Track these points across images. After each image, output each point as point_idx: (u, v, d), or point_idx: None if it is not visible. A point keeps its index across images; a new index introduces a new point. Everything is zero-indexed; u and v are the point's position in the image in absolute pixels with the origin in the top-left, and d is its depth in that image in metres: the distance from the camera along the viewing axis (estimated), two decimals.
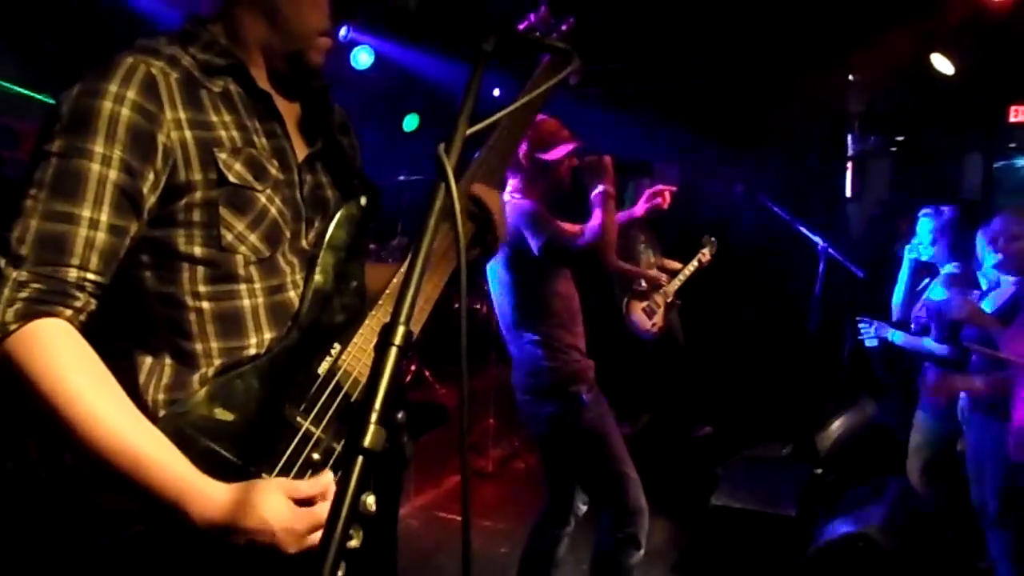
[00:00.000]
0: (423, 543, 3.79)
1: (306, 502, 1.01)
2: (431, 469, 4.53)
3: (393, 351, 0.71)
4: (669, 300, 5.30)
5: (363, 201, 1.25)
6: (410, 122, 6.34)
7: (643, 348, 5.44)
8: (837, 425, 4.48)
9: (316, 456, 1.10)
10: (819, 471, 4.30)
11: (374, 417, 0.67)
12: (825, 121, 6.42)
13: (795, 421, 4.87)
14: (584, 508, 2.98)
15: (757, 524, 3.37)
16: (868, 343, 3.80)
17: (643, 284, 5.26)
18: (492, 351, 4.94)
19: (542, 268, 2.63)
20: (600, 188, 2.60)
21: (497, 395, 4.95)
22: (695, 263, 5.21)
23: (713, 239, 5.17)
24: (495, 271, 2.77)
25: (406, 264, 0.80)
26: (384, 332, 0.73)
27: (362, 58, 5.43)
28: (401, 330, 0.72)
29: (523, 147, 2.68)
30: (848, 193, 7.01)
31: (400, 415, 1.08)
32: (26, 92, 2.79)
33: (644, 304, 5.33)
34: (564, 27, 1.50)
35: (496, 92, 5.48)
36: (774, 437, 5.09)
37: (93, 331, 1.04)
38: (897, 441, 3.78)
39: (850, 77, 6.36)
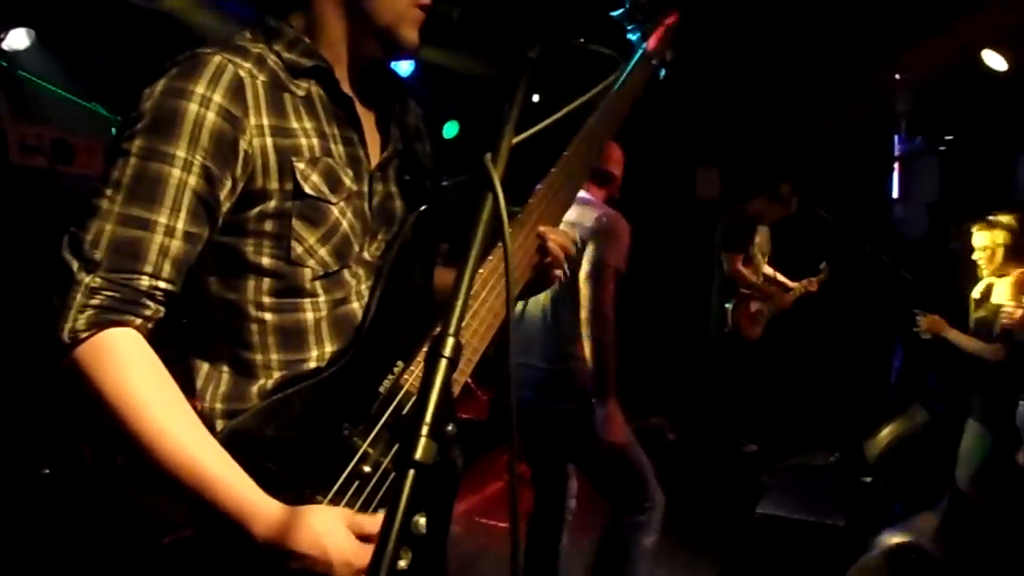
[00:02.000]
0: (464, 549, 3.79)
1: (366, 539, 0.99)
2: (472, 475, 4.52)
3: (443, 363, 0.71)
4: (777, 312, 5.17)
5: (430, 209, 1.21)
6: (450, 129, 6.37)
7: (708, 352, 5.30)
8: (887, 432, 4.38)
9: (373, 478, 1.07)
10: (868, 480, 4.21)
11: (425, 430, 0.66)
12: (870, 121, 6.28)
13: (843, 428, 4.77)
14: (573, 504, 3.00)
15: (804, 533, 3.30)
16: (923, 336, 3.69)
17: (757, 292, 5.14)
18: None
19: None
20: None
21: None
22: (805, 284, 5.14)
23: (827, 266, 5.15)
24: None
25: (455, 275, 0.79)
26: (434, 343, 0.72)
27: (402, 66, 5.48)
28: (451, 341, 0.72)
29: None
30: (895, 195, 6.86)
31: (451, 428, 1.06)
32: (79, 101, 2.86)
33: (755, 310, 5.17)
34: (667, 20, 1.48)
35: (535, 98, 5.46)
36: (821, 444, 5.00)
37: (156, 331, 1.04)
38: (949, 449, 3.68)
39: (896, 76, 6.22)
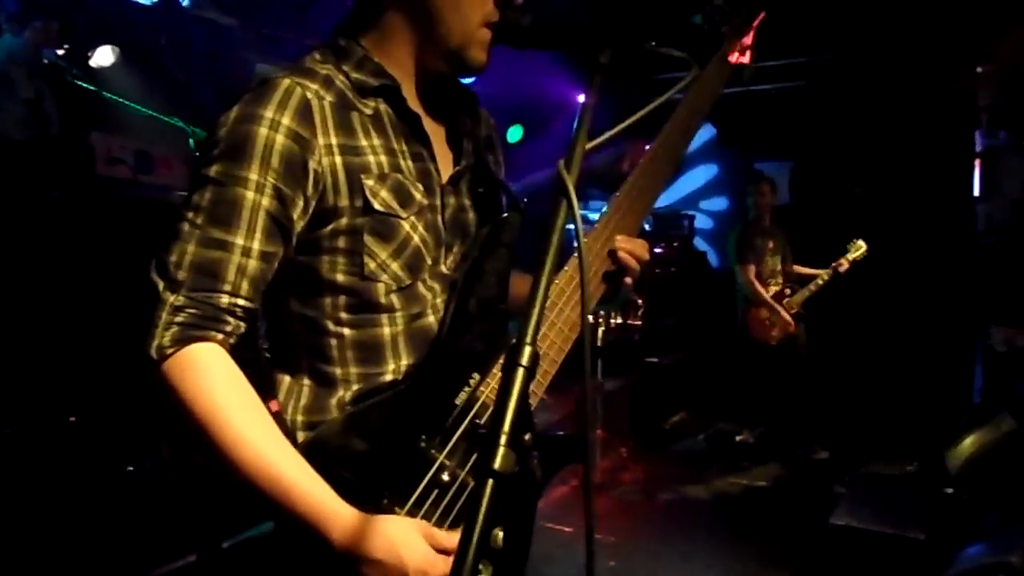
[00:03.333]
0: (531, 555, 3.78)
1: (443, 552, 1.00)
2: None
3: (520, 372, 0.70)
4: (794, 311, 5.11)
5: (503, 221, 1.20)
6: (514, 133, 6.40)
7: (762, 358, 5.27)
8: (970, 442, 4.18)
9: (450, 490, 1.08)
10: (951, 491, 4.03)
11: (503, 439, 0.66)
12: (951, 116, 6.05)
13: (922, 436, 4.59)
14: None
15: (881, 547, 3.18)
16: (996, 348, 3.55)
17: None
18: (600, 360, 4.90)
19: None
20: None
21: (604, 406, 4.90)
22: (829, 272, 5.02)
23: (860, 243, 4.97)
24: None
25: (531, 284, 0.78)
26: (511, 352, 0.72)
27: None
28: (528, 350, 0.71)
29: None
30: (976, 192, 6.58)
31: (528, 437, 1.06)
32: (160, 116, 2.98)
33: (766, 314, 5.15)
34: (751, 21, 1.46)
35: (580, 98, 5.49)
36: (898, 453, 4.83)
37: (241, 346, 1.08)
38: None
39: (978, 69, 5.97)
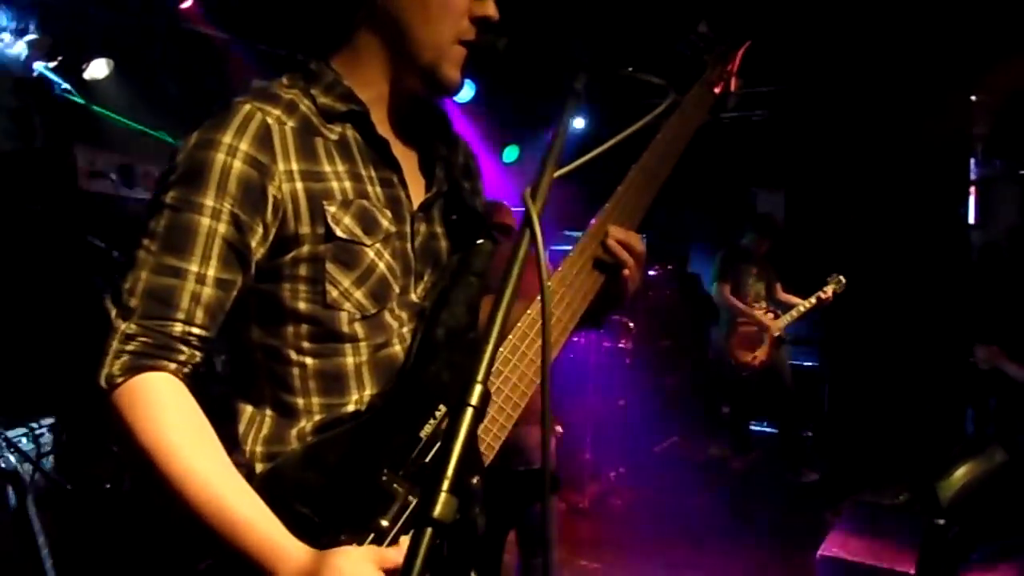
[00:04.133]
0: None
1: (397, 571, 0.95)
2: None
3: (468, 411, 0.67)
4: (776, 335, 5.16)
5: (475, 249, 1.18)
6: (510, 153, 6.39)
7: (745, 383, 5.30)
8: (962, 473, 4.13)
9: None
10: (942, 522, 3.98)
11: (445, 485, 0.63)
12: (945, 144, 6.06)
13: (913, 464, 4.54)
14: None
15: None
16: (980, 367, 3.54)
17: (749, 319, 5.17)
18: (590, 384, 4.86)
19: None
20: None
21: (594, 429, 4.86)
22: (813, 300, 5.09)
23: (840, 278, 5.06)
24: None
25: (488, 318, 0.75)
26: (460, 391, 0.69)
27: (462, 91, 5.54)
28: (478, 389, 0.68)
29: None
30: (971, 220, 6.58)
31: (476, 480, 1.03)
32: (148, 130, 2.96)
33: (748, 336, 5.22)
34: (736, 49, 1.45)
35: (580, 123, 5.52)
36: (889, 480, 4.78)
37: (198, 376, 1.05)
38: None
39: (972, 98, 5.99)
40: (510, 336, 1.13)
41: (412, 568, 0.60)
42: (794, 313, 5.21)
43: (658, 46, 1.26)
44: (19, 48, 3.36)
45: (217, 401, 1.10)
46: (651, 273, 6.47)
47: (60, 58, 3.59)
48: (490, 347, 0.72)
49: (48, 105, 3.42)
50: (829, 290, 5.09)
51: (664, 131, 1.33)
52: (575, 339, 5.10)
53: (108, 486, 3.07)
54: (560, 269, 1.18)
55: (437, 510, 0.62)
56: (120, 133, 3.06)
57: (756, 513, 4.70)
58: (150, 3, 4.06)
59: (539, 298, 1.15)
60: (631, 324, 5.20)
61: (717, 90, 1.45)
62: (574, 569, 3.92)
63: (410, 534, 0.98)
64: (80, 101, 3.12)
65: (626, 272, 1.21)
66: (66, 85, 3.18)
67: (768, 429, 5.74)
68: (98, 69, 3.98)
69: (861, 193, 5.99)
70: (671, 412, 6.14)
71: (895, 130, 5.74)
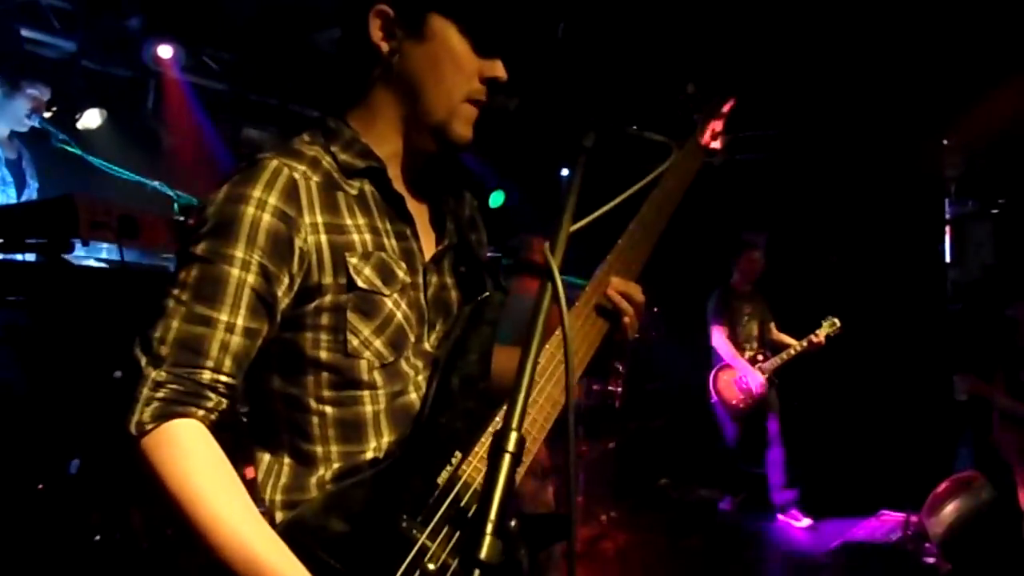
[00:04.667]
0: None
1: None
2: None
3: (507, 458, 0.71)
4: (765, 377, 5.16)
5: (485, 300, 1.22)
6: (496, 199, 6.48)
7: (737, 423, 5.28)
8: (950, 510, 4.18)
9: (431, 572, 1.05)
10: (932, 561, 4.01)
11: (490, 528, 0.66)
12: (920, 186, 6.22)
13: (903, 503, 4.58)
14: None
15: None
16: (957, 397, 3.59)
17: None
18: (580, 426, 4.87)
19: None
20: None
21: (586, 472, 4.85)
22: (804, 343, 5.08)
23: (835, 320, 5.04)
24: None
25: (516, 368, 0.79)
26: (497, 438, 0.72)
27: None
28: (514, 436, 0.72)
29: None
30: (947, 259, 6.72)
31: (514, 523, 1.06)
32: (145, 180, 3.00)
33: (735, 376, 5.23)
34: (723, 106, 1.52)
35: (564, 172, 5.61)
36: (880, 520, 4.81)
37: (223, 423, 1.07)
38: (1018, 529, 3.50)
39: (944, 141, 6.18)
40: None
41: None
42: (784, 355, 5.17)
43: (650, 107, 1.32)
44: (17, 101, 3.40)
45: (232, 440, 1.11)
46: None
47: (55, 109, 3.63)
48: (522, 395, 0.76)
49: (43, 155, 3.45)
50: (822, 333, 5.04)
51: (660, 187, 1.39)
52: None
53: (98, 538, 3.03)
54: (549, 347, 1.21)
55: (484, 552, 0.65)
56: (118, 184, 3.08)
57: (747, 554, 4.69)
58: (139, 56, 4.14)
59: (549, 347, 1.20)
60: (620, 367, 5.22)
61: (708, 146, 1.53)
62: None
63: None
64: (77, 152, 3.15)
65: (626, 320, 1.27)
66: (63, 136, 3.21)
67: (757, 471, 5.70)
68: (91, 119, 4.03)
69: (841, 234, 6.12)
70: (660, 454, 6.15)
71: (872, 173, 5.89)
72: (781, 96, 5.41)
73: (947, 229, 6.65)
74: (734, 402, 5.25)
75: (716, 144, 1.53)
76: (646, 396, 6.33)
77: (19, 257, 2.53)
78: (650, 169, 1.18)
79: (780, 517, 5.19)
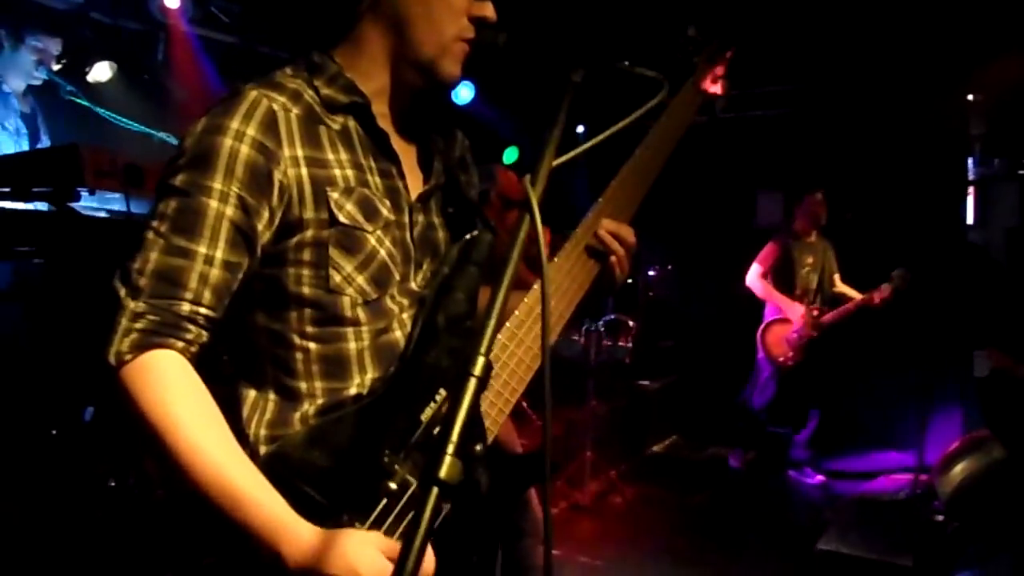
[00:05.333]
0: None
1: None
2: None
3: (472, 382, 0.71)
4: (817, 334, 4.93)
5: (472, 239, 1.21)
6: (510, 155, 6.43)
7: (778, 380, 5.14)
8: (960, 469, 4.16)
9: (392, 491, 1.06)
10: (940, 518, 4.01)
11: (451, 449, 0.66)
12: (943, 145, 6.09)
13: (913, 462, 4.57)
14: None
15: (868, 572, 3.16)
16: (976, 373, 3.54)
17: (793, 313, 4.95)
18: (590, 381, 4.89)
19: None
20: None
21: (595, 428, 4.88)
22: (865, 297, 4.87)
23: (904, 272, 4.79)
24: None
25: (489, 296, 0.79)
26: (463, 362, 0.72)
27: (463, 93, 5.58)
28: (481, 361, 0.72)
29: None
30: (970, 221, 6.60)
31: (479, 447, 1.07)
32: (152, 132, 3.00)
33: (788, 332, 5.04)
34: (724, 52, 1.49)
35: (580, 128, 5.50)
36: (891, 478, 4.82)
37: (205, 359, 1.07)
38: None
39: (969, 97, 6.02)
40: (508, 324, 1.17)
41: (419, 526, 0.63)
42: (842, 310, 4.91)
43: (649, 47, 1.30)
44: (25, 53, 3.40)
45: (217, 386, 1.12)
46: (651, 273, 6.51)
47: (64, 62, 3.63)
48: (492, 322, 0.75)
49: (54, 108, 3.46)
50: (886, 288, 4.80)
51: (655, 130, 1.38)
52: (575, 338, 5.11)
53: (112, 484, 3.10)
54: (556, 260, 1.24)
55: (443, 471, 0.65)
56: (127, 135, 3.09)
57: (757, 510, 4.72)
58: (149, 8, 4.11)
59: (536, 287, 1.20)
60: (631, 323, 5.22)
61: (707, 91, 1.50)
62: (575, 566, 3.94)
63: (407, 516, 1.04)
64: (85, 103, 3.16)
65: (613, 259, 1.27)
66: (71, 88, 3.22)
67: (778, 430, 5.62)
68: (101, 72, 4.03)
69: (859, 194, 6.03)
70: (671, 411, 6.18)
71: (893, 132, 5.77)
72: (798, 50, 5.29)
73: (970, 190, 6.52)
74: (782, 359, 5.03)
75: (716, 89, 1.50)
76: (659, 354, 6.34)
77: (27, 207, 2.56)
78: (641, 106, 1.15)
79: (792, 473, 5.18)
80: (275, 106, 1.08)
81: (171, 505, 2.91)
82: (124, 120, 3.07)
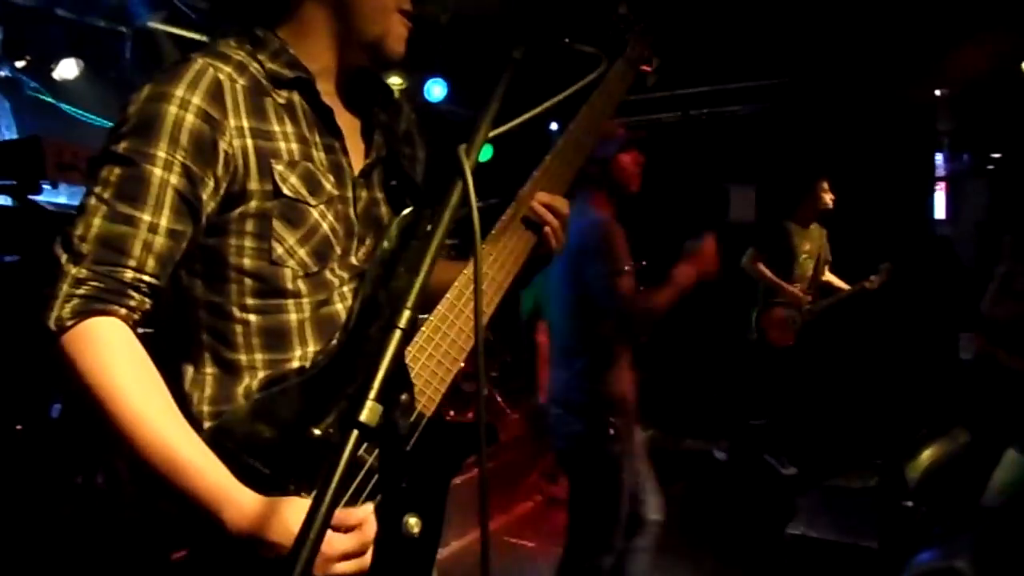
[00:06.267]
0: (493, 569, 3.76)
1: (344, 529, 1.00)
2: (499, 494, 4.52)
3: (397, 333, 0.73)
4: (811, 319, 4.98)
5: (412, 213, 1.21)
6: (484, 153, 6.45)
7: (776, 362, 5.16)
8: (928, 455, 4.23)
9: (357, 475, 1.07)
10: (909, 504, 4.07)
11: (372, 394, 0.68)
12: (911, 141, 6.17)
13: (882, 449, 4.64)
14: (653, 521, 2.87)
15: (835, 555, 3.22)
16: (963, 355, 3.60)
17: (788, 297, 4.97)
18: None
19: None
20: (684, 275, 2.55)
21: None
22: (856, 287, 4.93)
23: (889, 266, 4.88)
24: (554, 285, 2.70)
25: (422, 252, 0.81)
26: (390, 315, 0.75)
27: (435, 91, 5.59)
28: (407, 314, 0.74)
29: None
30: (942, 215, 6.68)
31: (405, 396, 1.08)
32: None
33: (785, 316, 5.04)
34: (653, 30, 1.52)
35: (554, 126, 5.52)
36: (863, 467, 4.87)
37: (148, 337, 1.06)
38: (988, 472, 3.55)
39: (937, 92, 6.11)
40: (447, 295, 1.18)
41: (336, 467, 0.65)
42: (833, 299, 4.99)
43: (581, 24, 1.32)
44: None
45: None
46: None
47: (28, 58, 3.61)
48: (420, 278, 0.78)
49: (15, 104, 3.44)
50: (875, 280, 4.88)
51: (589, 104, 1.40)
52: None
53: (79, 481, 3.08)
54: (493, 233, 1.25)
55: (364, 415, 0.67)
56: (92, 131, 3.09)
57: (732, 499, 4.77)
58: (117, 5, 4.09)
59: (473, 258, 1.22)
60: None
61: (639, 67, 1.53)
62: (550, 557, 3.96)
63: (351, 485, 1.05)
64: (50, 100, 3.15)
65: (547, 230, 1.29)
66: (35, 84, 3.20)
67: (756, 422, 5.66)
68: (67, 69, 4.00)
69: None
70: (648, 405, 6.20)
71: (862, 127, 5.85)
72: (768, 47, 5.35)
73: (938, 185, 6.61)
74: (784, 340, 5.02)
75: (646, 67, 1.53)
76: (637, 348, 6.36)
77: None
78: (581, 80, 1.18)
79: (769, 459, 5.19)
80: (221, 76, 1.08)
81: (141, 500, 2.90)
82: (90, 116, 3.07)
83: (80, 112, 3.10)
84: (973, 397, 4.55)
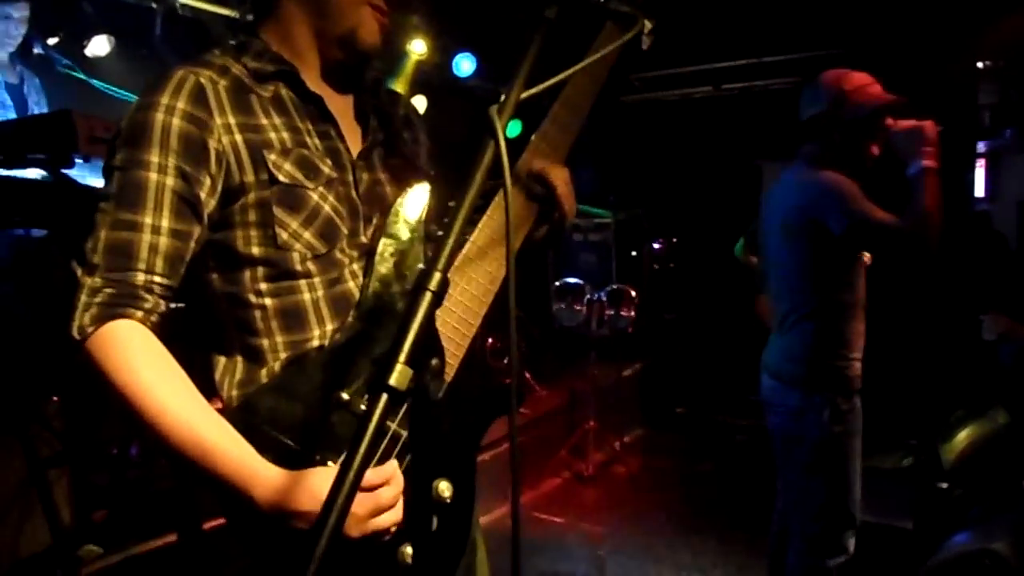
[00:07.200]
0: (522, 544, 3.78)
1: (370, 488, 1.02)
2: (529, 470, 4.53)
3: (427, 296, 0.71)
4: None
5: (416, 190, 1.23)
6: (513, 128, 6.41)
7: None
8: (964, 435, 4.16)
9: (381, 441, 1.07)
10: (944, 485, 4.01)
11: (402, 358, 0.67)
12: (951, 115, 6.00)
13: (917, 430, 4.57)
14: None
15: (869, 535, 3.16)
16: (985, 337, 3.51)
17: None
18: (592, 352, 4.89)
19: (839, 252, 2.37)
20: (921, 164, 2.28)
21: (598, 398, 4.90)
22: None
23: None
24: (773, 248, 2.52)
25: (449, 216, 0.79)
26: (420, 277, 0.73)
27: (464, 66, 5.55)
28: (437, 276, 0.72)
29: (825, 105, 2.41)
30: (981, 193, 6.52)
31: (435, 361, 1.08)
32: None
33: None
34: None
35: None
36: (893, 447, 4.80)
37: (178, 334, 1.10)
38: None
39: (979, 65, 5.93)
40: (455, 264, 1.18)
41: (366, 431, 0.64)
42: None
43: None
44: (21, 26, 3.39)
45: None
46: (655, 246, 6.49)
47: (60, 35, 3.63)
48: (451, 240, 0.75)
49: (47, 80, 3.46)
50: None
51: (584, 68, 1.35)
52: (576, 307, 5.10)
53: (114, 452, 3.14)
54: (496, 200, 1.24)
55: (393, 378, 0.66)
56: (120, 106, 3.10)
57: (758, 478, 4.73)
58: None
59: (480, 226, 1.21)
60: (633, 292, 5.21)
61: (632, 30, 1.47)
62: (579, 533, 3.97)
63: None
64: (81, 76, 3.16)
65: (558, 194, 1.27)
66: (67, 61, 3.22)
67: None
68: (99, 46, 4.02)
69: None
70: (677, 383, 6.18)
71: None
72: (802, 20, 5.23)
73: (978, 161, 6.44)
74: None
75: (643, 29, 1.46)
76: (664, 325, 6.33)
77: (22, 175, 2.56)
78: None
79: None
80: (202, 79, 1.11)
81: (173, 472, 2.95)
82: (120, 91, 3.08)
83: (112, 88, 3.11)
84: (1011, 377, 4.46)
